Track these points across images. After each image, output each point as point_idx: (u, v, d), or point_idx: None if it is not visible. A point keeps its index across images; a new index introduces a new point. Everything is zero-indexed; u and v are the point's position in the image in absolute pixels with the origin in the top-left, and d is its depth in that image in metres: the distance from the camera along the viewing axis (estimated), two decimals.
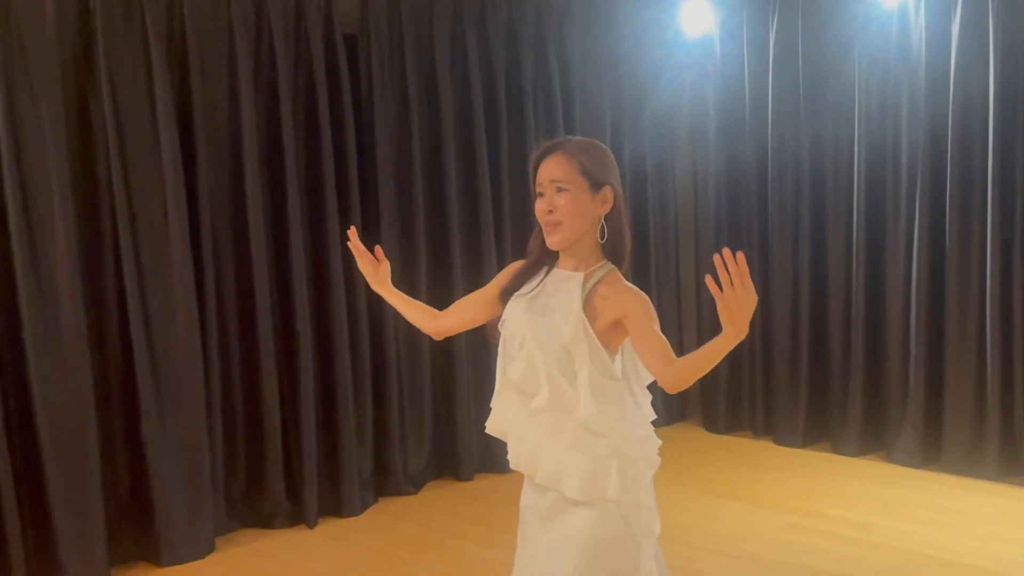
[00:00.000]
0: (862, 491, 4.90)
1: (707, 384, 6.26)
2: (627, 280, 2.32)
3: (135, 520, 4.28)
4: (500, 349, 2.38)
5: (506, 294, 2.39)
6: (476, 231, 5.30)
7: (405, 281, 2.57)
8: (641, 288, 2.28)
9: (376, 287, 2.70)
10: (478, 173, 5.25)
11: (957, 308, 5.02)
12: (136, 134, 4.15)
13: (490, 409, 2.46)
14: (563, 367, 2.23)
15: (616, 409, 2.27)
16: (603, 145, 2.34)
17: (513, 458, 2.37)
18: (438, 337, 2.66)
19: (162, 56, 4.17)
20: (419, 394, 5.22)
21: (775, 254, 5.74)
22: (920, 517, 4.49)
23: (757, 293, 1.90)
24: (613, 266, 2.33)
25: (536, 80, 5.63)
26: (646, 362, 2.21)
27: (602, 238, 2.28)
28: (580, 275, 2.28)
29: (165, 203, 4.21)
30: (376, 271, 2.67)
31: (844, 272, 5.52)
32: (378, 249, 2.69)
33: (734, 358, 6.07)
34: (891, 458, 5.33)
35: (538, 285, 2.34)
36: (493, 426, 2.45)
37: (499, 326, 2.38)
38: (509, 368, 2.33)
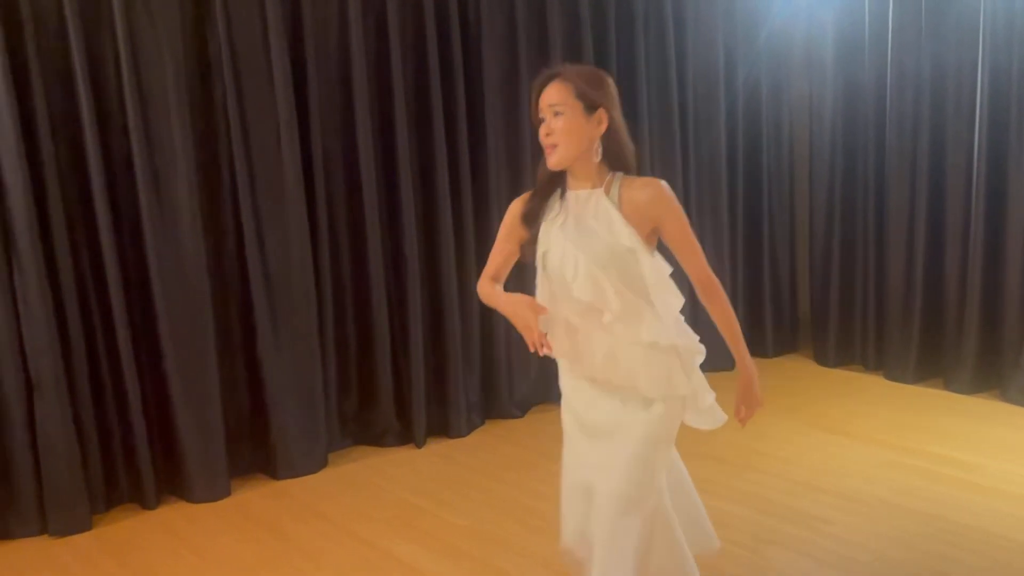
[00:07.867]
0: (972, 430, 4.79)
1: (818, 317, 6.18)
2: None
3: (253, 435, 4.53)
4: (544, 279, 2.45)
5: (529, 217, 2.47)
6: None
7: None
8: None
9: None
10: None
11: None
12: (250, 59, 4.26)
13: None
14: (624, 277, 2.34)
15: (663, 306, 2.41)
16: (602, 71, 2.43)
17: (588, 372, 2.47)
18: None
19: None
20: None
21: (891, 183, 5.56)
22: None
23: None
24: (621, 173, 2.41)
25: (648, 5, 5.53)
26: (687, 263, 2.40)
27: (597, 157, 2.37)
28: (599, 190, 2.38)
29: (278, 127, 4.33)
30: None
31: (962, 204, 5.33)
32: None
33: (847, 290, 5.98)
34: (1006, 397, 5.19)
35: (560, 209, 2.42)
36: (560, 351, 2.51)
37: (539, 254, 2.44)
38: (568, 293, 2.38)
